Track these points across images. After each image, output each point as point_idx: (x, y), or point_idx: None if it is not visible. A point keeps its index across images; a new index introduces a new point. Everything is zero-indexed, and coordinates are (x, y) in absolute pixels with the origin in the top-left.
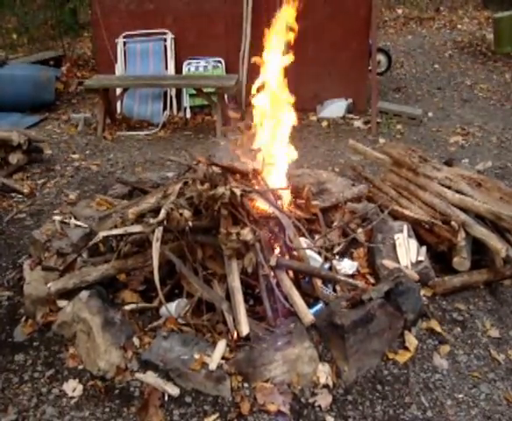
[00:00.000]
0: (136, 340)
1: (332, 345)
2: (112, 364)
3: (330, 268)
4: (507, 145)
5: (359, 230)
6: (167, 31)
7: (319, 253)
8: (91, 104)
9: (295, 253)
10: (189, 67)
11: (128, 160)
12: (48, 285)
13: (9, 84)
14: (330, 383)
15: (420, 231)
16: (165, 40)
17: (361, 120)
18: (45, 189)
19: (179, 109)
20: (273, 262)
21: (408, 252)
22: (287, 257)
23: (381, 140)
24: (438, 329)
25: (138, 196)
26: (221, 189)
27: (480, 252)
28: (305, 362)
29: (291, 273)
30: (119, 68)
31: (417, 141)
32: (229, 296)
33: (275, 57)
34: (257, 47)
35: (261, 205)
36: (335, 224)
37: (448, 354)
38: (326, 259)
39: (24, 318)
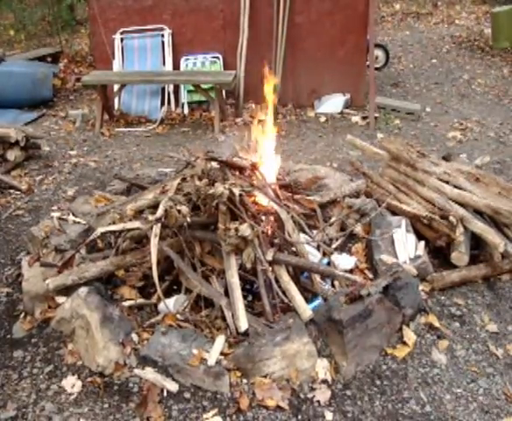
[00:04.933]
0: (134, 336)
1: (331, 340)
2: (111, 360)
3: (329, 263)
4: (505, 139)
5: (358, 225)
6: (164, 26)
7: (318, 248)
8: (89, 101)
9: (293, 248)
10: (187, 62)
11: (126, 156)
12: (47, 281)
13: (6, 81)
14: (329, 378)
15: (418, 226)
16: (162, 36)
17: (359, 115)
18: (43, 185)
19: (177, 105)
20: (269, 257)
21: (406, 247)
22: (285, 252)
23: (379, 135)
24: (437, 324)
25: (137, 192)
26: (220, 188)
27: (478, 246)
28: (304, 357)
29: (290, 268)
30: (117, 64)
31: (415, 136)
32: (227, 292)
33: None
34: (254, 43)
35: (260, 201)
36: (333, 219)
37: (446, 349)
38: (325, 254)
39: (22, 315)
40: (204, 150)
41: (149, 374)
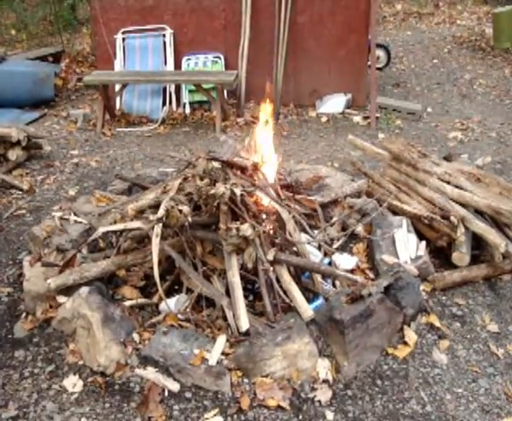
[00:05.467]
0: (136, 336)
1: (332, 340)
2: (112, 360)
3: (330, 263)
4: (506, 140)
5: (359, 225)
6: (165, 26)
7: (319, 248)
8: (90, 100)
9: (294, 248)
10: (188, 62)
11: (127, 156)
12: (48, 281)
13: (8, 81)
14: (330, 378)
15: (419, 227)
16: (164, 36)
17: (360, 115)
18: (44, 185)
19: (178, 104)
20: (270, 257)
21: (407, 247)
22: (286, 252)
23: (381, 135)
24: (438, 324)
25: (138, 192)
26: (221, 189)
27: (479, 247)
28: (305, 357)
29: (291, 268)
30: (118, 64)
31: (416, 136)
32: (228, 292)
33: None
34: (256, 43)
35: (261, 200)
36: (334, 219)
37: (447, 349)
38: (326, 254)
39: (24, 315)
40: (206, 150)
41: (150, 373)
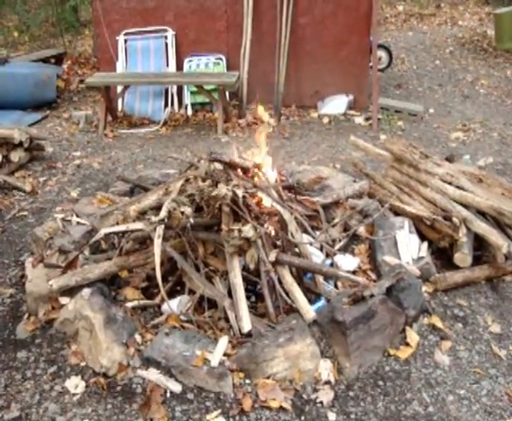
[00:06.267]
0: (138, 337)
1: (334, 341)
2: (114, 361)
3: (332, 264)
4: (508, 141)
5: (361, 226)
6: (167, 28)
7: (321, 249)
8: (92, 102)
9: (296, 249)
10: (190, 63)
11: (129, 157)
12: (50, 282)
13: (10, 82)
14: (332, 379)
15: (421, 228)
16: (166, 37)
17: (362, 116)
18: (46, 186)
19: (180, 106)
20: (272, 258)
21: (409, 248)
22: (288, 253)
23: (382, 137)
24: (440, 325)
25: (140, 193)
26: (223, 190)
27: (481, 247)
28: (307, 358)
29: (293, 269)
30: (120, 66)
31: (418, 137)
32: (230, 293)
33: None
34: (258, 44)
35: (263, 201)
36: (336, 220)
37: (449, 350)
38: (328, 255)
39: (26, 316)
40: (208, 151)
41: (152, 374)
